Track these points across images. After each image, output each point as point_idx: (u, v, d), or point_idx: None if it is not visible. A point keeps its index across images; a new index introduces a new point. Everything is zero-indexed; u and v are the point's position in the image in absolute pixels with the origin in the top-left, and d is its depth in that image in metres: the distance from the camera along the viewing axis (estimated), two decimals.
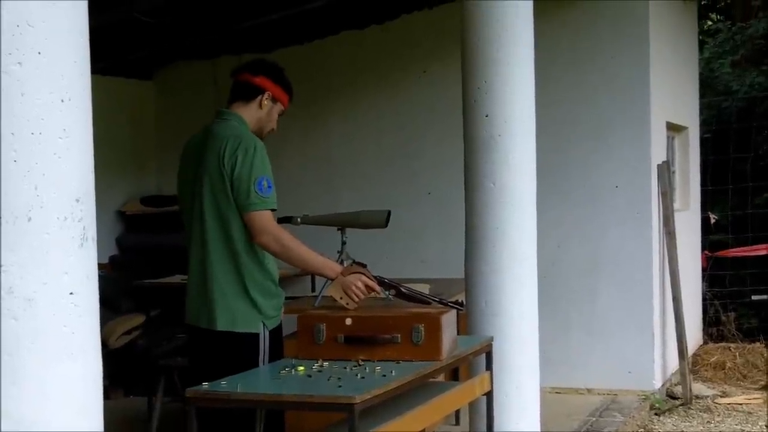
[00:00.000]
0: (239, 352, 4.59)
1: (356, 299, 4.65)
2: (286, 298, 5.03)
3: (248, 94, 4.82)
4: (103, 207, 9.21)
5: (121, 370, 8.81)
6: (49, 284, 2.45)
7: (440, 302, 4.92)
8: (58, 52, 2.47)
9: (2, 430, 2.40)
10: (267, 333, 4.67)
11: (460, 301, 5.02)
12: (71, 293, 2.49)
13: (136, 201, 9.73)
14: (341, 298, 4.67)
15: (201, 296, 4.66)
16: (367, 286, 4.67)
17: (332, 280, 4.71)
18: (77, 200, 2.50)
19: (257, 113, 4.81)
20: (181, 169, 4.86)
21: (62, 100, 2.47)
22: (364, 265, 4.74)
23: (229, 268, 4.60)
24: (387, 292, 4.88)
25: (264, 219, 4.56)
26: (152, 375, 7.34)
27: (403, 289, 4.79)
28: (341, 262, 6.33)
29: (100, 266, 9.18)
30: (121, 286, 8.76)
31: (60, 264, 2.47)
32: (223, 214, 4.57)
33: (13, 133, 2.40)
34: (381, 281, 4.75)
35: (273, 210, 4.62)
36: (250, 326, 4.62)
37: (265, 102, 4.81)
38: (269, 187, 4.56)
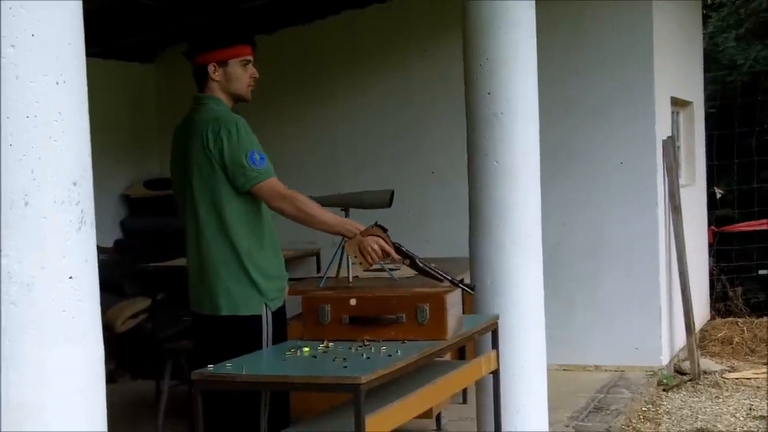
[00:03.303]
0: (243, 335, 4.57)
1: (370, 261, 4.61)
2: (291, 279, 5.00)
3: (199, 78, 4.76)
4: (107, 191, 9.22)
5: (128, 354, 8.81)
6: (48, 269, 2.44)
7: (452, 282, 4.89)
8: (52, 34, 2.45)
9: (2, 414, 2.40)
10: (270, 315, 4.65)
11: (473, 285, 4.97)
12: (70, 277, 2.48)
13: (140, 184, 9.72)
14: (356, 257, 4.63)
15: (201, 284, 4.64)
16: (383, 250, 4.62)
17: (350, 238, 4.66)
18: (74, 183, 2.49)
19: (220, 86, 4.73)
20: (171, 160, 4.83)
21: (57, 83, 2.46)
22: (385, 230, 4.69)
23: (227, 253, 4.56)
24: (400, 262, 4.80)
25: (271, 186, 4.54)
26: (159, 358, 7.34)
27: (418, 261, 4.74)
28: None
29: (105, 250, 9.22)
30: (126, 269, 8.76)
31: (58, 248, 2.46)
32: (215, 199, 4.54)
33: (8, 117, 2.39)
34: (398, 248, 4.70)
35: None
36: (252, 309, 4.60)
37: (216, 74, 4.72)
38: (261, 158, 4.52)
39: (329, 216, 4.66)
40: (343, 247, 6.30)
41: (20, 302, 2.41)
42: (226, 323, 4.59)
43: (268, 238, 4.69)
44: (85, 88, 2.55)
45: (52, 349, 2.44)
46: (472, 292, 4.92)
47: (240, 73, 4.75)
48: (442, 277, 4.80)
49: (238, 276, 4.57)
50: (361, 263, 4.63)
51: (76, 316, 2.49)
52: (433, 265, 4.80)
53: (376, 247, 4.59)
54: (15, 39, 2.39)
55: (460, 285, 4.82)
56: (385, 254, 4.64)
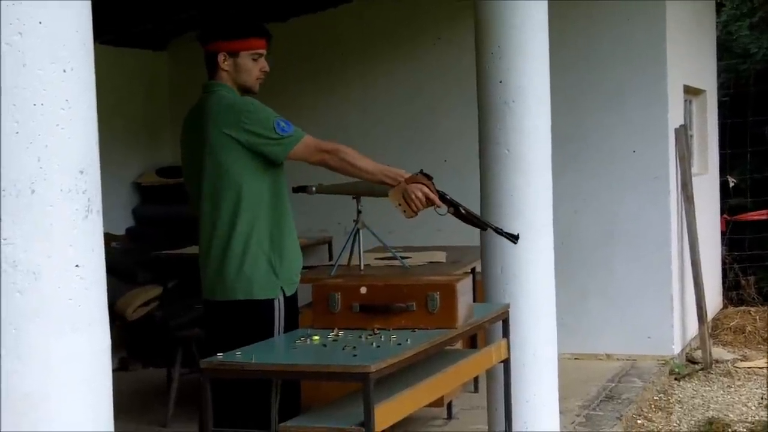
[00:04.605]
0: (255, 321, 4.56)
1: (414, 208, 4.61)
2: (303, 267, 4.99)
3: (210, 64, 4.74)
4: (119, 179, 9.22)
5: (139, 342, 8.82)
6: (54, 257, 2.43)
7: (495, 230, 4.88)
8: (59, 22, 2.44)
9: (7, 404, 2.39)
10: (283, 300, 4.64)
11: (516, 234, 4.95)
12: (76, 266, 2.47)
13: (152, 172, 9.72)
14: (399, 205, 4.62)
15: (216, 269, 4.62)
16: (427, 198, 4.62)
17: (394, 186, 4.65)
18: (81, 172, 2.48)
19: (229, 76, 4.71)
20: (183, 149, 4.82)
21: (64, 71, 2.45)
22: (430, 178, 4.68)
23: (245, 237, 4.54)
24: (445, 209, 4.78)
25: (307, 143, 4.55)
26: (170, 346, 7.34)
27: (462, 209, 4.74)
28: (356, 232, 6.31)
29: (117, 238, 9.23)
30: (137, 257, 8.77)
31: (64, 236, 2.45)
32: (234, 184, 4.52)
33: (14, 105, 2.38)
34: (442, 196, 4.69)
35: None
36: (268, 292, 4.59)
37: (225, 63, 4.70)
38: (287, 123, 4.52)
39: (372, 165, 4.65)
40: (355, 235, 6.32)
41: (26, 291, 2.40)
42: (239, 309, 4.58)
43: (287, 221, 4.68)
44: (93, 76, 2.54)
45: (58, 338, 2.43)
46: (515, 241, 4.91)
47: (250, 66, 4.72)
48: (485, 226, 4.84)
49: (256, 258, 4.56)
50: (405, 211, 4.62)
51: (83, 304, 2.48)
52: (476, 213, 4.82)
53: (420, 194, 4.59)
54: (22, 26, 2.38)
55: (504, 233, 4.83)
56: (429, 202, 4.63)
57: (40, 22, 2.40)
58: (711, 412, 7.54)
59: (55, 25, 2.43)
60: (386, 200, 6.00)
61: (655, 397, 7.89)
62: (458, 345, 5.60)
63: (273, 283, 4.60)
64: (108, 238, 8.55)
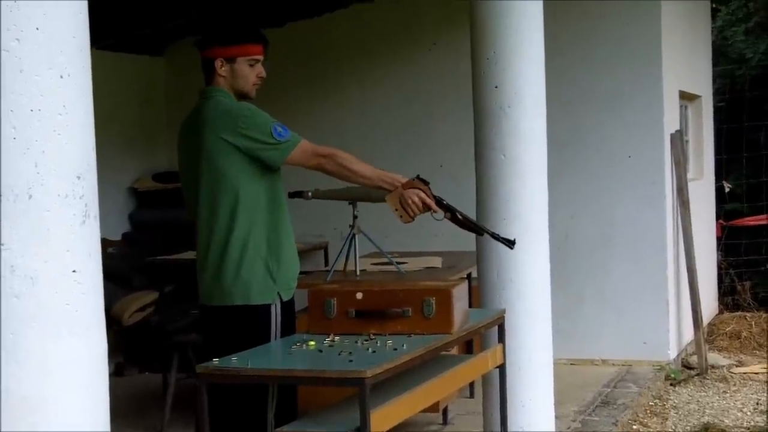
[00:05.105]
0: (252, 325, 4.56)
1: (411, 213, 4.62)
2: (299, 272, 4.99)
3: (207, 70, 4.75)
4: (116, 184, 9.23)
5: (136, 347, 8.82)
6: (51, 262, 2.44)
7: (492, 235, 4.89)
8: (56, 28, 2.44)
9: (5, 408, 2.39)
10: (280, 305, 4.64)
11: (513, 239, 4.96)
12: (74, 271, 2.47)
13: (148, 177, 9.72)
14: (396, 210, 4.63)
15: (213, 274, 4.62)
16: (424, 203, 4.63)
17: (390, 191, 4.67)
18: (78, 177, 2.49)
19: (226, 81, 4.71)
20: (180, 155, 4.82)
21: (61, 76, 2.45)
22: (426, 183, 4.69)
23: (242, 242, 4.54)
24: (442, 214, 4.79)
25: (305, 148, 4.55)
26: (167, 351, 7.34)
27: (458, 215, 4.75)
28: (352, 237, 6.32)
29: (113, 243, 9.22)
30: (134, 262, 8.77)
31: (62, 242, 2.46)
32: (231, 188, 4.52)
33: (12, 110, 2.38)
34: (439, 201, 4.70)
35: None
36: (264, 297, 4.58)
37: (222, 69, 4.71)
38: (284, 128, 4.52)
39: (369, 170, 4.67)
40: (351, 241, 6.32)
41: (23, 295, 2.40)
42: (236, 314, 4.58)
43: (284, 226, 4.68)
44: (90, 82, 2.54)
45: (55, 342, 2.44)
46: (512, 246, 4.92)
47: (246, 72, 4.73)
48: (482, 231, 4.85)
49: (253, 263, 4.55)
50: (401, 216, 4.63)
51: (80, 309, 2.48)
52: (473, 218, 4.82)
53: (416, 199, 4.60)
54: (20, 33, 2.38)
55: (500, 238, 4.84)
56: (426, 207, 4.64)
57: (38, 28, 2.41)
58: (706, 418, 7.55)
59: (53, 31, 2.44)
60: (382, 205, 6.01)
61: (650, 403, 7.90)
62: (454, 350, 5.60)
63: (270, 288, 4.60)
64: (104, 243, 8.55)
